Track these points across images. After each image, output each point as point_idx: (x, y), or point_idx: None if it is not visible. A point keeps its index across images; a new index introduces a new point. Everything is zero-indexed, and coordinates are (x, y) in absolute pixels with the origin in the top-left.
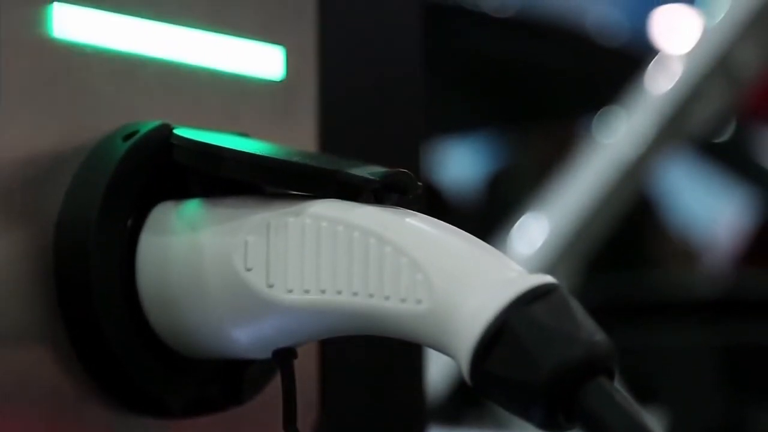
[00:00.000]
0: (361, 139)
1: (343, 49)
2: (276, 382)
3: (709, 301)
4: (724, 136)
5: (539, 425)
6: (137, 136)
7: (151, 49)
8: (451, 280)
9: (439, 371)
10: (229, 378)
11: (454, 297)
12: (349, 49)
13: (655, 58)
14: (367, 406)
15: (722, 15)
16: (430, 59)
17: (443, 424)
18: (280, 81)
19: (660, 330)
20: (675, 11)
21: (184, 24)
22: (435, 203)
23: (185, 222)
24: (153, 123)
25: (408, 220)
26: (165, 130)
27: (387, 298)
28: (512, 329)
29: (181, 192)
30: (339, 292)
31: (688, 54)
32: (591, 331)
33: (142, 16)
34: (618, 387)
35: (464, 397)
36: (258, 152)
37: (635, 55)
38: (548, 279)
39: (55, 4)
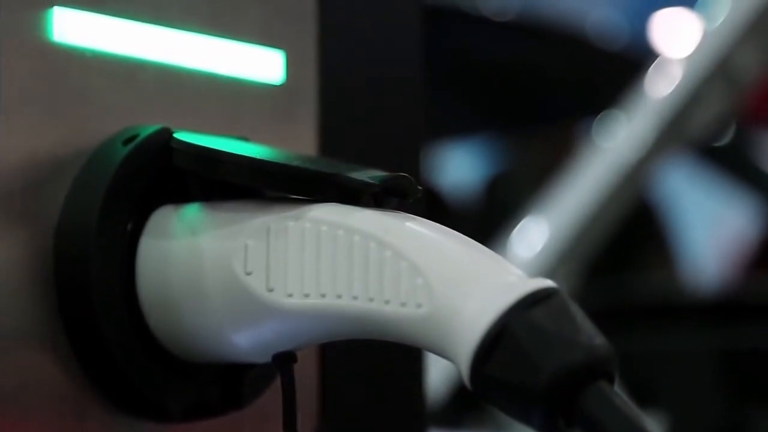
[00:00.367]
0: (361, 142)
1: (343, 53)
2: (276, 386)
3: (709, 304)
4: (724, 140)
5: (539, 429)
6: (137, 140)
7: (151, 53)
8: (451, 284)
9: (439, 375)
10: (229, 382)
11: (454, 301)
12: (349, 53)
13: (655, 61)
14: (367, 410)
15: (722, 18)
16: (429, 62)
17: (443, 428)
18: (280, 85)
19: (660, 334)
20: (675, 15)
21: (185, 28)
22: (435, 206)
23: (185, 226)
24: (153, 127)
25: (408, 224)
26: (165, 134)
27: (387, 302)
28: (512, 333)
29: (181, 196)
30: (339, 296)
31: (688, 58)
32: (591, 335)
33: (142, 20)
34: (618, 391)
35: (464, 401)
36: (258, 156)
37: (635, 58)
38: (548, 283)
39: (56, 8)
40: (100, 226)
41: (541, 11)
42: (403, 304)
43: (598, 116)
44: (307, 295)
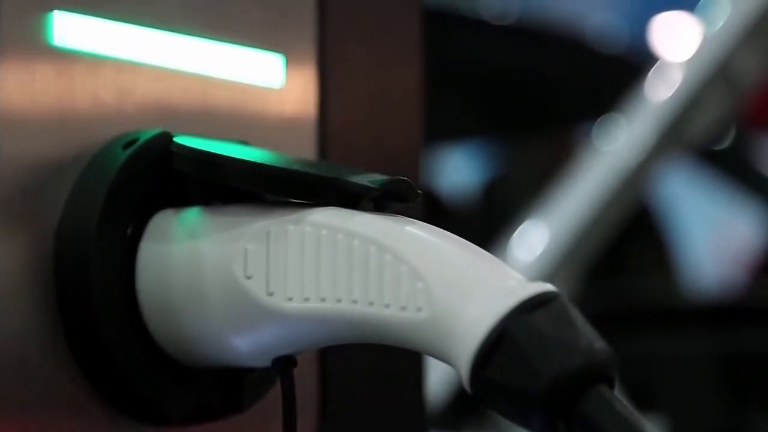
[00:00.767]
0: (361, 146)
1: (343, 57)
2: (276, 390)
3: (709, 308)
4: (724, 144)
5: None
6: (137, 144)
7: (151, 57)
8: (451, 288)
9: (438, 379)
10: (229, 386)
11: (454, 305)
12: (348, 57)
13: (655, 65)
14: (367, 414)
15: (722, 22)
16: (429, 66)
17: (443, 431)
18: (281, 89)
19: (660, 337)
20: (675, 18)
21: (185, 32)
22: (434, 210)
23: (185, 230)
24: (153, 131)
25: (408, 228)
26: (165, 138)
27: (387, 306)
28: (512, 337)
29: (181, 200)
30: (339, 300)
31: (688, 61)
32: (591, 339)
33: (142, 24)
34: (618, 395)
35: (464, 404)
36: (258, 160)
37: (635, 62)
38: (548, 287)
39: (56, 12)
40: (100, 229)
41: (541, 15)
42: (403, 308)
43: (598, 120)
44: (307, 299)
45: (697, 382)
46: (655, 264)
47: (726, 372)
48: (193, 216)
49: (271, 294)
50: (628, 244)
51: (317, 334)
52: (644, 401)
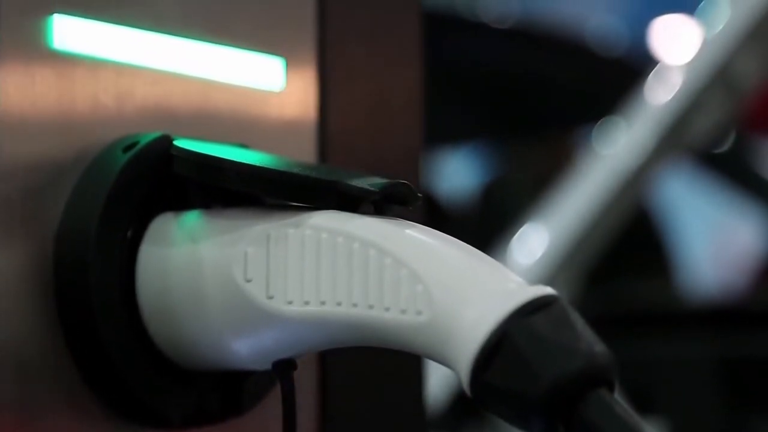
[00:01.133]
0: (361, 149)
1: (343, 61)
2: (276, 393)
3: (709, 312)
4: (724, 147)
5: None
6: (137, 148)
7: (151, 60)
8: (451, 291)
9: (438, 382)
10: (229, 389)
11: (454, 308)
12: (348, 61)
13: (655, 68)
14: (367, 417)
15: (722, 25)
16: (429, 69)
17: None
18: (280, 92)
19: (659, 341)
20: (674, 21)
21: (185, 35)
22: (434, 213)
23: (185, 233)
24: (153, 134)
25: (408, 231)
26: (165, 142)
27: (387, 309)
28: (512, 341)
29: (181, 203)
30: (339, 304)
31: (688, 64)
32: (591, 342)
33: (142, 28)
34: (618, 398)
35: (464, 407)
36: (258, 163)
37: (635, 65)
38: (548, 290)
39: (56, 15)
40: (100, 232)
41: (541, 18)
42: (403, 312)
43: (598, 123)
44: (307, 303)
45: (696, 386)
46: (654, 267)
47: (726, 375)
48: (193, 219)
49: (271, 297)
50: (627, 247)
51: (317, 338)
52: (644, 404)
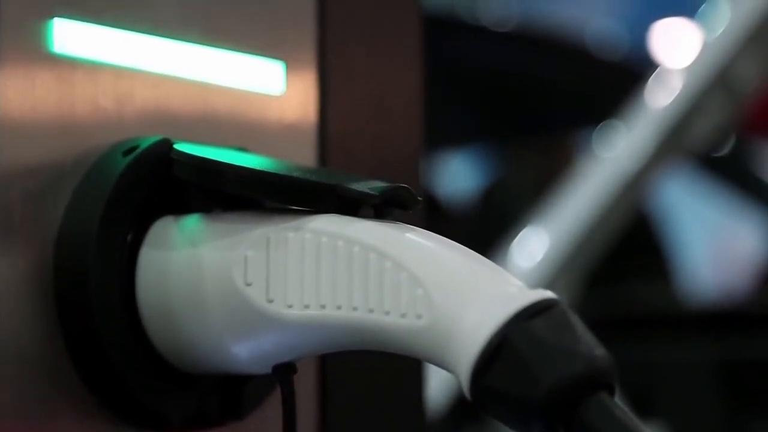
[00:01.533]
0: (361, 153)
1: (343, 64)
2: (276, 397)
3: (709, 315)
4: (724, 151)
5: None
6: (137, 151)
7: (151, 64)
8: (451, 295)
9: (438, 386)
10: (229, 392)
11: (454, 312)
12: (348, 64)
13: (655, 71)
14: (367, 421)
15: (722, 29)
16: (429, 72)
17: None
18: (281, 95)
19: (660, 344)
20: (675, 25)
21: (185, 39)
22: (433, 216)
23: (185, 237)
24: (153, 138)
25: (408, 235)
26: (165, 145)
27: (387, 313)
28: (512, 344)
29: (181, 207)
30: (339, 307)
31: (688, 68)
32: (591, 346)
33: (141, 31)
34: (618, 402)
35: (464, 411)
36: (258, 167)
37: (635, 68)
38: (548, 294)
39: (56, 19)
40: (100, 236)
41: (541, 21)
42: (403, 315)
43: (598, 126)
44: (307, 306)
45: (697, 389)
46: (655, 270)
47: (726, 378)
48: (193, 223)
49: (271, 301)
50: (628, 250)
51: (317, 341)
52: (644, 408)
